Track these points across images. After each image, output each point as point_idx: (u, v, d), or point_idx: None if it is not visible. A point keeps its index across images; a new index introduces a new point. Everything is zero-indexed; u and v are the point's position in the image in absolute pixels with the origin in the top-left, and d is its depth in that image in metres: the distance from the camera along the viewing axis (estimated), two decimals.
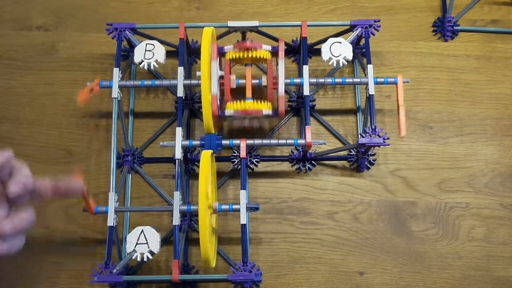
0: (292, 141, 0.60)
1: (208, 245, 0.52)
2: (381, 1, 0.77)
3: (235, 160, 0.67)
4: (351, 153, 0.68)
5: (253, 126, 0.68)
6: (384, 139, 0.58)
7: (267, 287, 0.64)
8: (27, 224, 0.47)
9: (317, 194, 0.67)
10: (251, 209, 0.57)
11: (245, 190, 0.57)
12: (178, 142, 0.59)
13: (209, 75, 0.57)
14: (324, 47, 0.62)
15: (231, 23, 0.63)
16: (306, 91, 0.61)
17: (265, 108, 0.60)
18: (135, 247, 0.55)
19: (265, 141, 0.60)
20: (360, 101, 0.71)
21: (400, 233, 0.66)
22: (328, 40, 0.62)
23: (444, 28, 0.74)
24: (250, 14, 0.76)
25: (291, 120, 0.71)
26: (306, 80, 0.62)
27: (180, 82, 0.62)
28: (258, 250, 0.65)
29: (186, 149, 0.65)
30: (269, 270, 0.64)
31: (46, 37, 0.75)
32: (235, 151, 0.68)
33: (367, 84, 0.62)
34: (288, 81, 0.62)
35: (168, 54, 0.63)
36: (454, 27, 0.74)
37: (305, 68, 0.62)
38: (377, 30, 0.65)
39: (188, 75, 0.71)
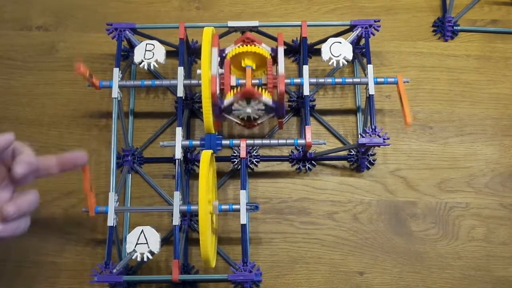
0: (292, 141, 0.60)
1: (208, 245, 0.52)
2: (381, 1, 0.77)
3: (235, 160, 0.67)
4: (351, 153, 0.68)
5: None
6: (384, 139, 0.58)
7: (267, 287, 0.64)
8: (31, 206, 0.48)
9: (317, 194, 0.67)
10: (251, 209, 0.57)
11: (245, 190, 0.57)
12: (178, 142, 0.59)
13: (209, 75, 0.57)
14: (324, 47, 0.62)
15: (231, 23, 0.63)
16: (306, 91, 0.61)
17: (266, 95, 0.59)
18: (135, 247, 0.55)
19: (265, 141, 0.60)
20: (360, 101, 0.71)
21: (400, 233, 0.66)
22: (328, 40, 0.62)
23: (444, 28, 0.74)
24: (250, 14, 0.76)
25: (291, 120, 0.71)
26: (306, 80, 0.62)
27: (180, 82, 0.62)
28: (258, 250, 0.65)
29: (186, 149, 0.65)
30: (269, 270, 0.64)
31: (46, 37, 0.75)
32: (235, 151, 0.68)
33: (367, 84, 0.62)
34: (288, 81, 0.62)
35: (168, 54, 0.63)
36: (454, 27, 0.74)
37: (305, 68, 0.62)
38: (377, 30, 0.65)
39: (188, 75, 0.71)
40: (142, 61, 0.62)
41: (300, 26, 0.65)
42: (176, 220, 0.57)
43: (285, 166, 0.69)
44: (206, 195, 0.52)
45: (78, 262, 0.65)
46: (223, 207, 0.57)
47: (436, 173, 0.68)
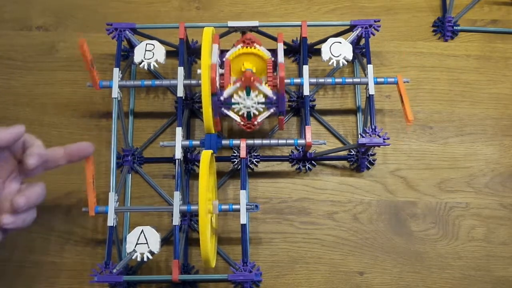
0: (292, 141, 0.60)
1: (208, 245, 0.52)
2: (381, 1, 0.77)
3: (235, 160, 0.67)
4: (351, 153, 0.68)
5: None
6: (384, 139, 0.58)
7: (267, 287, 0.64)
8: (39, 198, 0.49)
9: (317, 194, 0.67)
10: (251, 208, 0.57)
11: (245, 190, 0.57)
12: (178, 142, 0.59)
13: (209, 75, 0.57)
14: (324, 47, 0.62)
15: (231, 23, 0.63)
16: (306, 91, 0.61)
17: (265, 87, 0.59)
18: (135, 247, 0.55)
19: (265, 141, 0.60)
20: (360, 101, 0.71)
21: (400, 233, 0.66)
22: (328, 40, 0.62)
23: (444, 28, 0.74)
24: (250, 14, 0.76)
25: (291, 120, 0.71)
26: (306, 80, 0.62)
27: (180, 82, 0.62)
28: (258, 250, 0.65)
29: (186, 149, 0.65)
30: (269, 270, 0.64)
31: (46, 37, 0.75)
32: (235, 151, 0.68)
33: (367, 84, 0.62)
34: (288, 81, 0.62)
35: (168, 54, 0.63)
36: (454, 27, 0.74)
37: (305, 68, 0.62)
38: (377, 30, 0.65)
39: (188, 75, 0.71)
40: (142, 61, 0.62)
41: (300, 26, 0.65)
42: (176, 220, 0.57)
43: (285, 166, 0.69)
44: (206, 195, 0.52)
45: (78, 262, 0.65)
46: (223, 207, 0.57)
47: (436, 173, 0.68)
